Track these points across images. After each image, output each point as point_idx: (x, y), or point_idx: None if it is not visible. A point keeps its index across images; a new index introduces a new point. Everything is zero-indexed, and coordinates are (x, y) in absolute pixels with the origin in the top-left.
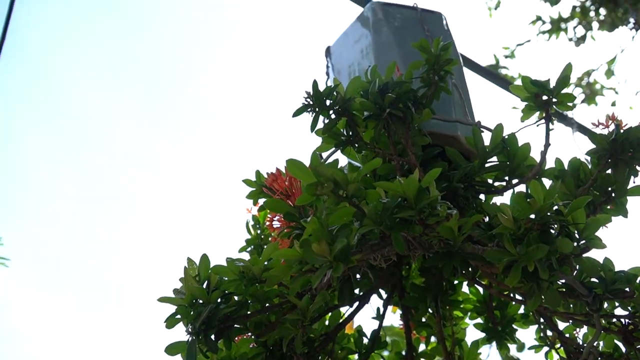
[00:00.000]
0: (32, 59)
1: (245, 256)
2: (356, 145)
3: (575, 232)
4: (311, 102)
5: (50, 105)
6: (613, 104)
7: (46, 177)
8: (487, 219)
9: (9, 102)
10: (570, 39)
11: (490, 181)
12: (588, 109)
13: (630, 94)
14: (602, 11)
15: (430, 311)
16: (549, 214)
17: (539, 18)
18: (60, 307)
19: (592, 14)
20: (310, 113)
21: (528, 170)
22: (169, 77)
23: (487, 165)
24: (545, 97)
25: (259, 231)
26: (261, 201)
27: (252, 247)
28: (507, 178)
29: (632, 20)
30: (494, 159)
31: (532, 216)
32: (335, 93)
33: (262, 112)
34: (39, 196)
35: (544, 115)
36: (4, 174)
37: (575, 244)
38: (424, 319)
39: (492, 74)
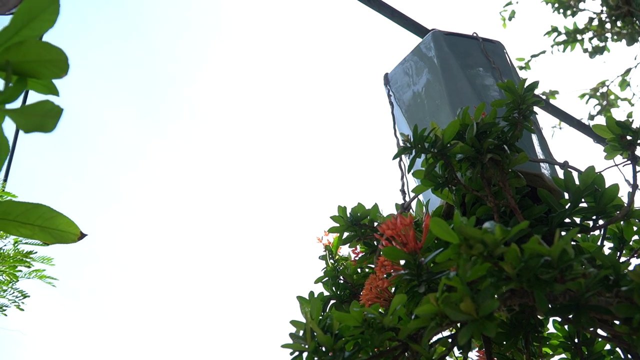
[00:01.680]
0: None
1: (320, 287)
2: (453, 187)
3: None
4: (409, 145)
5: None
6: (629, 116)
7: (46, 177)
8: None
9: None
10: (586, 50)
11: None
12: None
13: None
14: (619, 23)
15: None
16: None
17: (554, 29)
18: (61, 307)
19: (608, 25)
20: (408, 156)
21: (614, 210)
22: (168, 79)
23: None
24: (629, 138)
25: (331, 260)
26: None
27: (327, 278)
28: (594, 217)
29: None
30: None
31: None
32: (433, 136)
33: (262, 114)
34: (38, 196)
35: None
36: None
37: None
38: (508, 354)
39: None
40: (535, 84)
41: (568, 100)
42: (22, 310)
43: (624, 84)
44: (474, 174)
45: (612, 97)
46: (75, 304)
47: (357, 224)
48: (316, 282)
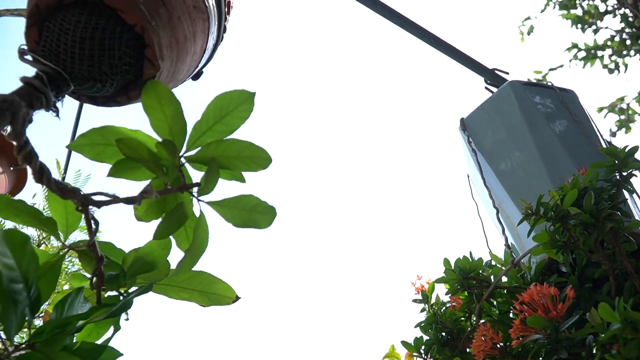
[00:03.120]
0: None
1: (417, 331)
2: (570, 250)
3: None
4: (531, 212)
5: None
6: None
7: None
8: None
9: None
10: (605, 66)
11: None
12: (625, 137)
13: None
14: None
15: None
16: None
17: (574, 45)
18: None
19: (628, 42)
20: (528, 222)
21: None
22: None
23: None
24: None
25: (426, 305)
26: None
27: (425, 323)
28: None
29: None
30: None
31: None
32: (553, 204)
33: (262, 116)
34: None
35: None
36: None
37: None
38: None
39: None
40: (635, 149)
41: None
42: None
43: None
44: (590, 240)
45: (630, 112)
46: None
47: (466, 277)
48: (416, 326)
